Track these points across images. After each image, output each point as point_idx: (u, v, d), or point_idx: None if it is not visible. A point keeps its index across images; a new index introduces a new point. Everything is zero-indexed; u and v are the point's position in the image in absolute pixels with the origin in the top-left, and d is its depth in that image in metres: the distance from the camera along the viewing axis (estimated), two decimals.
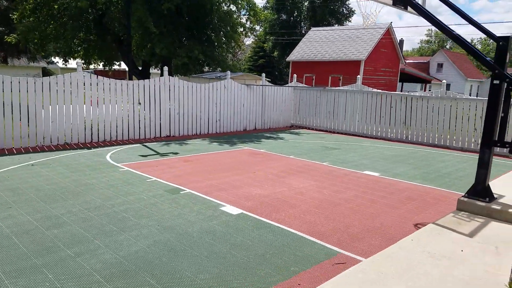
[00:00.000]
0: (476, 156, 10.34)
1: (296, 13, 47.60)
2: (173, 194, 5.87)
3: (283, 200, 5.79)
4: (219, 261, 3.74)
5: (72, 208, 5.10)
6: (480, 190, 4.93)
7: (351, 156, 9.68)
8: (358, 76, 15.34)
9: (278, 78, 38.35)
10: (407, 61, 40.73)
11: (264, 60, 38.54)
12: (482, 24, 5.15)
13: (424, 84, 33.31)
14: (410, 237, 4.04)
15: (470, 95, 42.16)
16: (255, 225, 4.72)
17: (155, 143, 10.59)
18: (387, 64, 24.68)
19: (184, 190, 6.11)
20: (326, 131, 14.63)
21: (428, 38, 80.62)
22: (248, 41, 25.77)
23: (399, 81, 27.01)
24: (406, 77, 28.96)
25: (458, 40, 5.01)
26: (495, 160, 9.83)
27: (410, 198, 6.21)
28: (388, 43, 24.33)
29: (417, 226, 5.05)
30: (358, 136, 13.62)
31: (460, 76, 46.81)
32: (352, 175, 7.64)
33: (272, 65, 39.99)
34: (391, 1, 5.52)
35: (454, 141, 11.77)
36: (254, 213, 5.18)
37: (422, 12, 5.42)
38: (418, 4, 5.55)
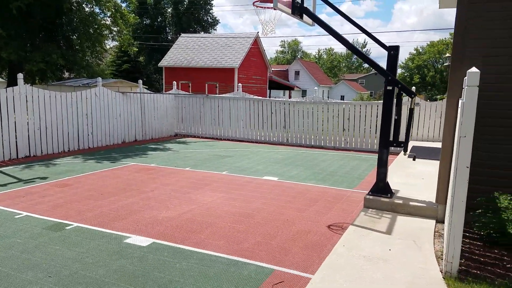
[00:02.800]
0: (348, 154, 11.65)
1: (160, 19, 46.44)
2: (57, 232, 4.72)
3: (196, 219, 5.26)
4: None
5: None
6: (382, 187, 5.34)
7: (246, 162, 9.63)
8: (240, 84, 15.60)
9: (147, 84, 36.52)
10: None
11: (129, 65, 36.15)
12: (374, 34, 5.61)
13: (288, 91, 36.25)
14: (341, 243, 4.05)
15: (318, 97, 47.79)
16: (175, 255, 4.09)
17: (12, 167, 8.61)
18: (257, 72, 25.93)
19: (71, 225, 4.99)
20: (212, 138, 14.38)
21: (283, 49, 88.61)
22: (110, 44, 23.68)
23: (268, 88, 28.72)
24: (273, 85, 31.03)
25: (354, 49, 5.33)
26: (364, 156, 11.12)
27: (312, 199, 6.39)
28: (256, 52, 25.60)
29: (331, 227, 5.17)
30: (244, 141, 13.77)
31: (313, 82, 52.71)
32: (254, 182, 7.53)
33: (138, 71, 37.85)
34: (290, 10, 5.56)
35: (327, 141, 12.89)
36: (168, 240, 4.52)
37: (319, 21, 5.61)
38: (314, 14, 5.74)
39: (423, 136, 12.33)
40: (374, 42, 5.70)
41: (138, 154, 10.69)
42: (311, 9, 6.03)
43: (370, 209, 5.22)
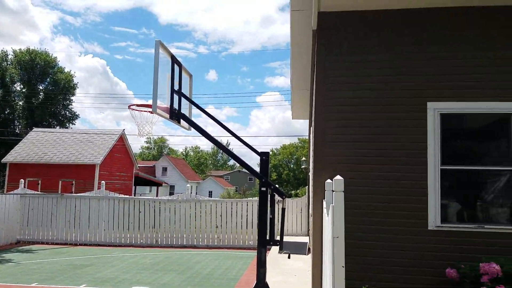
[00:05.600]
0: (222, 252, 11.50)
1: (8, 111, 41.98)
2: None
3: None
4: None
5: None
6: None
7: (110, 271, 8.50)
8: (103, 181, 14.50)
9: None
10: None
11: None
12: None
13: (156, 187, 35.26)
14: None
15: (190, 194, 47.82)
16: None
17: None
18: (121, 168, 24.81)
19: None
20: (66, 244, 12.44)
21: (148, 145, 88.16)
22: None
23: (133, 185, 27.45)
24: (140, 181, 29.89)
25: (232, 155, 5.68)
26: (237, 253, 11.13)
27: None
28: (122, 149, 24.82)
29: None
30: (107, 246, 12.32)
31: (182, 178, 52.89)
32: None
33: None
34: (168, 116, 5.71)
35: (200, 240, 12.55)
36: None
37: (196, 126, 5.89)
38: (191, 120, 6.03)
39: (288, 231, 13.15)
40: (245, 146, 6.20)
41: None
42: (187, 114, 6.33)
43: None
